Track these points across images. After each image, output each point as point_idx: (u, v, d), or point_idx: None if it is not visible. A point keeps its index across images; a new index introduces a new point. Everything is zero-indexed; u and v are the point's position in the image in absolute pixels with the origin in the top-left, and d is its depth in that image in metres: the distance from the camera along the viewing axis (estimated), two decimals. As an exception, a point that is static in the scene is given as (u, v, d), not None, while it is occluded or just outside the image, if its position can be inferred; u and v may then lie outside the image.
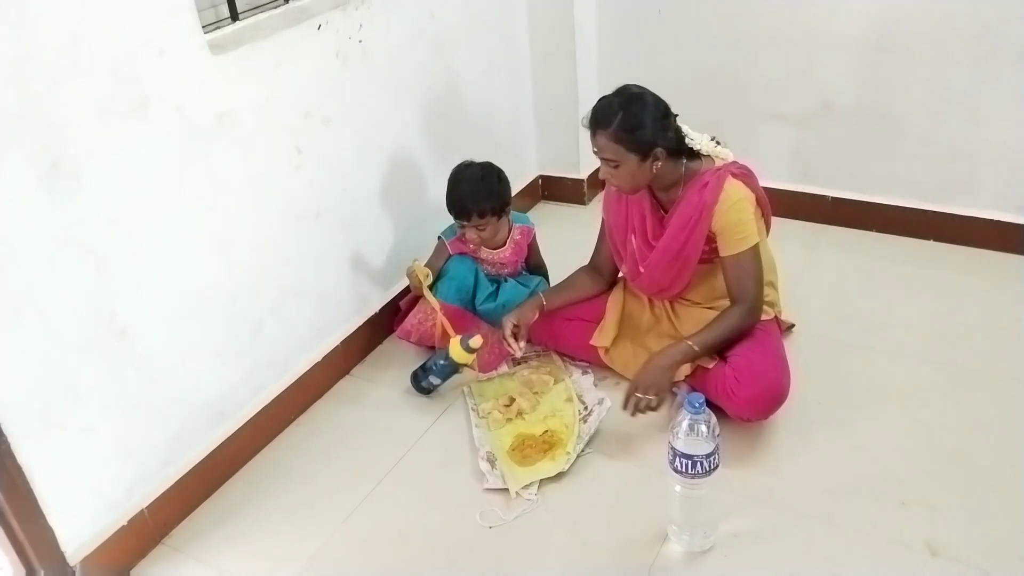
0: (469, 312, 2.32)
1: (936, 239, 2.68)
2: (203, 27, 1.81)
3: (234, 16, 2.00)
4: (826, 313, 2.37)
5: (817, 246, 2.73)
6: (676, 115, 1.94)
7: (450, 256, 2.35)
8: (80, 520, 1.74)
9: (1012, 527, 1.71)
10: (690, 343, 1.95)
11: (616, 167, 1.92)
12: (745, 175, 1.98)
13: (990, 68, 2.42)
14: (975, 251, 2.61)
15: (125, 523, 1.82)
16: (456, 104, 2.63)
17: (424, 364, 2.21)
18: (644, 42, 2.89)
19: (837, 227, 2.81)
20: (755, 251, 1.97)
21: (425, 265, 2.31)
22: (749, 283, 1.98)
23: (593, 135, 1.92)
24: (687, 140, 1.95)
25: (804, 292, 2.40)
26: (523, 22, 2.90)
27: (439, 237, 2.38)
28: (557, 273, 2.43)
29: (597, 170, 3.14)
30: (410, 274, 2.27)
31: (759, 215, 2.00)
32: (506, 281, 2.41)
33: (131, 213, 1.70)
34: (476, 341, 2.11)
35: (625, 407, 1.94)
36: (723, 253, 1.98)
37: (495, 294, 2.36)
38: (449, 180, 2.31)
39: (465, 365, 2.17)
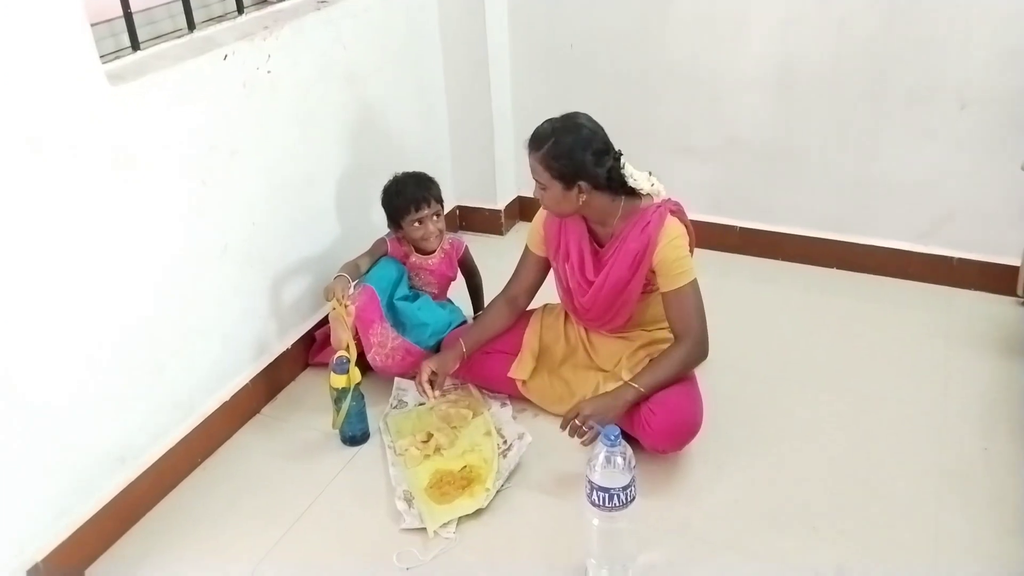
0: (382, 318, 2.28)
1: (839, 267, 2.78)
2: (101, 57, 1.74)
3: (135, 45, 1.94)
4: (737, 342, 2.41)
5: (727, 275, 2.79)
6: (619, 153, 1.97)
7: (385, 254, 2.37)
8: (-38, 581, 1.63)
9: (915, 548, 1.77)
10: (636, 386, 1.95)
11: (544, 189, 1.97)
12: (679, 212, 2.02)
13: (885, 106, 2.54)
14: (876, 278, 2.72)
15: (15, 581, 1.71)
16: (369, 136, 2.60)
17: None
18: (556, 75, 2.92)
19: (747, 256, 2.88)
20: (694, 286, 2.00)
21: (361, 257, 2.34)
22: (691, 317, 2.00)
23: (528, 154, 1.96)
24: (628, 179, 1.97)
25: (715, 321, 2.43)
26: (437, 54, 2.90)
27: (384, 238, 2.41)
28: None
29: (514, 200, 3.18)
30: (328, 289, 2.20)
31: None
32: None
33: (21, 256, 1.61)
34: (340, 362, 2.07)
35: (563, 427, 1.94)
36: (664, 289, 2.00)
37: (413, 298, 2.36)
38: (387, 193, 2.37)
39: (357, 385, 2.10)
